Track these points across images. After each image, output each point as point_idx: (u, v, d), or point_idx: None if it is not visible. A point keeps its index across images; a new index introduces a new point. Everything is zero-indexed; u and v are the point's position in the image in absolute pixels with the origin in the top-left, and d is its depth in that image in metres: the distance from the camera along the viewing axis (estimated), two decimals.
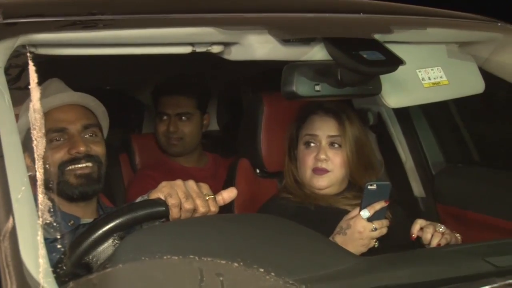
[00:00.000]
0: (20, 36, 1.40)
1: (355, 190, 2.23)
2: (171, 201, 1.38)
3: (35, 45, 1.44)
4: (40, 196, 1.06)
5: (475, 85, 1.87)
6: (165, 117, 2.74)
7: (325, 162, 2.11)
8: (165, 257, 1.00)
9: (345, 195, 2.21)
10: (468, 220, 2.29)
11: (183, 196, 1.41)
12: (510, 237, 2.14)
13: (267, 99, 2.35)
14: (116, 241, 1.28)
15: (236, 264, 1.00)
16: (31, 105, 1.40)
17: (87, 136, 1.84)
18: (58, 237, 1.10)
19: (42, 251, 0.99)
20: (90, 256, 1.21)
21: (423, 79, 1.85)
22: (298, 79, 1.54)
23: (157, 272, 1.00)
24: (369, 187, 1.78)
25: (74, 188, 1.76)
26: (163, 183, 1.46)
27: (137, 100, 3.33)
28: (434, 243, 1.88)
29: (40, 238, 1.02)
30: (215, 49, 1.66)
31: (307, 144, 2.14)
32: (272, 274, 0.97)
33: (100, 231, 1.21)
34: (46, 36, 1.45)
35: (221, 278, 0.98)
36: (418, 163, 2.52)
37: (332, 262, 1.14)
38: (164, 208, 1.37)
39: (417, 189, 2.53)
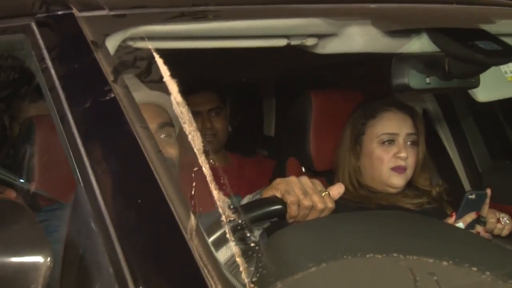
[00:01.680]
0: (130, 29, 1.29)
1: (413, 188, 2.19)
2: (289, 199, 1.31)
3: (143, 37, 1.33)
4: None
5: None
6: (197, 115, 2.63)
7: (405, 161, 2.05)
8: (367, 256, 0.91)
9: (406, 193, 2.16)
10: None
11: (300, 193, 1.35)
12: None
13: (316, 96, 2.29)
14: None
15: (445, 263, 0.92)
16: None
17: (162, 136, 1.75)
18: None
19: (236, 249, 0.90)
20: None
21: (505, 72, 1.81)
22: (410, 71, 1.48)
23: (364, 271, 0.91)
24: (469, 196, 1.77)
25: None
26: (278, 180, 1.40)
27: None
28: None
29: (229, 235, 0.92)
30: (310, 41, 1.60)
31: (386, 142, 2.07)
32: (487, 273, 0.90)
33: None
34: (154, 28, 1.35)
35: (435, 278, 0.90)
36: (465, 160, 2.49)
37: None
38: (281, 206, 1.31)
39: (466, 186, 2.49)
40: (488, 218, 1.92)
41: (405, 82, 1.49)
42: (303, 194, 1.35)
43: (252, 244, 0.93)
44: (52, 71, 1.23)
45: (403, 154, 2.05)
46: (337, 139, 2.29)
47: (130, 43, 1.31)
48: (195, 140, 1.06)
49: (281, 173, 2.28)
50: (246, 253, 0.96)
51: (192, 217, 0.94)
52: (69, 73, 1.22)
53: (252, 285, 0.85)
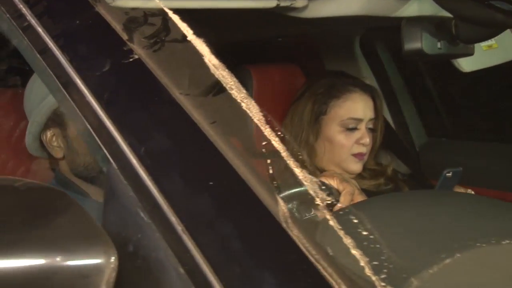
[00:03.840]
0: None
1: (367, 170, 2.11)
2: (347, 187, 1.18)
3: None
4: None
5: None
6: None
7: (367, 147, 1.96)
8: (503, 242, 0.79)
9: (362, 175, 2.07)
10: None
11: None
12: None
13: (255, 71, 2.14)
14: None
15: None
16: None
17: None
18: None
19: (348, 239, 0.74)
20: None
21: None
22: (424, 35, 1.37)
23: (500, 259, 0.79)
24: (446, 174, 1.72)
25: None
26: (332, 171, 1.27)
27: None
28: None
29: (333, 223, 0.76)
30: (299, 3, 1.45)
31: (349, 128, 1.96)
32: None
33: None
34: None
35: None
36: (403, 137, 2.45)
37: None
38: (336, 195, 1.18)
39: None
40: None
41: (419, 46, 1.38)
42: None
43: (364, 233, 0.77)
44: (39, 30, 1.00)
45: (366, 140, 1.95)
46: (281, 117, 2.16)
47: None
48: (252, 109, 0.88)
49: None
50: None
51: (280, 200, 0.76)
52: (68, 31, 1.00)
53: (383, 284, 0.69)
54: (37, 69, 1.00)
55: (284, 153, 0.82)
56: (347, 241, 0.73)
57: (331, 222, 0.74)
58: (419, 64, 2.49)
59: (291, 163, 0.80)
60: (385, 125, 2.30)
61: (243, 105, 0.88)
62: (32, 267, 0.68)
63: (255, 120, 0.86)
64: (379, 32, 2.41)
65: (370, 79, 2.42)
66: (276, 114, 2.15)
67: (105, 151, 0.86)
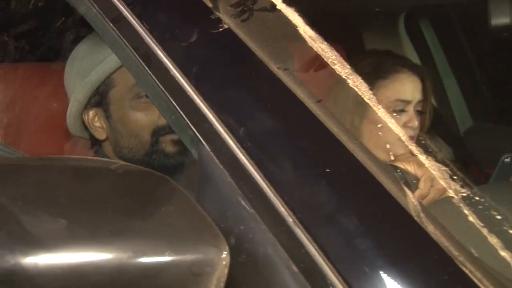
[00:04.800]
0: None
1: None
2: (426, 172, 1.07)
3: None
4: None
5: None
6: None
7: (415, 130, 1.85)
8: None
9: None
10: None
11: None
12: None
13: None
14: None
15: None
16: None
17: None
18: None
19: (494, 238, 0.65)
20: None
21: None
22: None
23: None
24: (505, 159, 1.61)
25: None
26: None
27: None
28: None
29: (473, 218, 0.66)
30: None
31: (397, 110, 1.85)
32: None
33: None
34: None
35: None
36: (449, 122, 2.35)
37: None
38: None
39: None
40: None
41: (508, 22, 1.26)
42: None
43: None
44: None
45: (415, 123, 1.84)
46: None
47: None
48: (360, 86, 0.78)
49: None
50: None
51: (408, 191, 0.67)
52: None
53: None
54: (108, 40, 0.90)
55: (403, 137, 0.72)
56: (493, 240, 0.63)
57: (471, 218, 0.64)
58: (465, 46, 2.39)
59: (414, 149, 0.71)
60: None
61: (349, 82, 0.78)
62: (137, 263, 0.58)
63: (366, 99, 0.76)
64: (425, 10, 2.30)
65: (414, 60, 2.32)
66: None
67: (195, 131, 0.77)
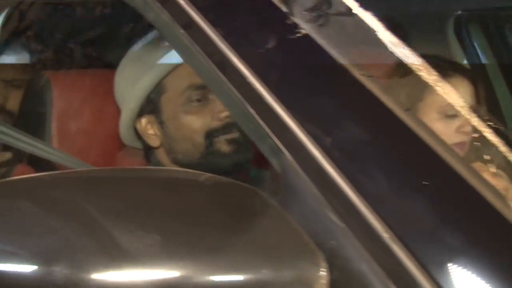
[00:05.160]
0: None
1: None
2: None
3: None
4: None
5: None
6: None
7: (467, 136, 1.79)
8: None
9: None
10: None
11: None
12: None
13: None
14: None
15: None
16: None
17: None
18: None
19: None
20: None
21: None
22: None
23: None
24: None
25: None
26: None
27: None
28: None
29: None
30: None
31: (449, 115, 1.80)
32: None
33: None
34: None
35: None
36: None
37: None
38: None
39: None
40: None
41: None
42: None
43: None
44: (182, 2, 0.87)
45: (468, 128, 1.78)
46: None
47: None
48: (451, 94, 0.74)
49: None
50: None
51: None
52: (215, 2, 0.87)
53: None
54: (179, 47, 0.87)
55: (502, 147, 0.68)
56: None
57: None
58: None
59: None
60: None
61: (439, 89, 0.74)
62: (233, 281, 0.55)
63: (459, 108, 0.72)
64: (474, 15, 2.25)
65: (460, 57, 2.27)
66: None
67: (275, 140, 0.73)
